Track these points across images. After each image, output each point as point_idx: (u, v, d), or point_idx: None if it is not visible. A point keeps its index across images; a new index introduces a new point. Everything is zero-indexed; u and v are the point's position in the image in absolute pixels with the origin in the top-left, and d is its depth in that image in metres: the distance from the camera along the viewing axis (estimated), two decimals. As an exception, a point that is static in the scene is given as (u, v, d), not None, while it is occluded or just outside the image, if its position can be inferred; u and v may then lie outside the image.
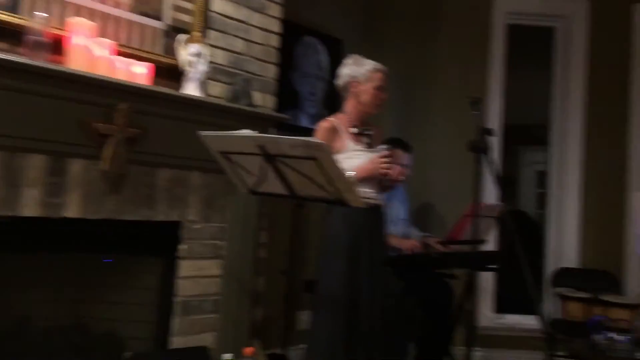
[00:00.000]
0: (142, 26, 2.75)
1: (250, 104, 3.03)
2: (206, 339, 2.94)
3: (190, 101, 2.75)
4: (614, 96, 4.29)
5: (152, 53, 2.76)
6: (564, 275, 3.99)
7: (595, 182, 4.27)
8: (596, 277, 3.94)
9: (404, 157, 3.65)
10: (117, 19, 2.66)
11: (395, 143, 3.67)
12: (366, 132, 2.87)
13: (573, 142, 4.31)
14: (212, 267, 2.97)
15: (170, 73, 2.82)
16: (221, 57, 3.06)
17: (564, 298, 3.68)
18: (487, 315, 4.24)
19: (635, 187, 4.09)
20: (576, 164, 4.30)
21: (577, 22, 4.35)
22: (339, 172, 2.20)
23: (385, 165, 2.69)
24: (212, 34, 3.01)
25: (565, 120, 4.37)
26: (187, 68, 2.81)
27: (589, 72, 4.32)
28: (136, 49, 2.69)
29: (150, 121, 2.60)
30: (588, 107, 4.31)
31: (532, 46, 4.78)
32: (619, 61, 4.29)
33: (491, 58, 4.33)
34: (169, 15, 2.85)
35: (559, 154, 4.39)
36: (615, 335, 2.77)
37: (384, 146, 2.78)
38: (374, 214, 2.78)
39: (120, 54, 2.59)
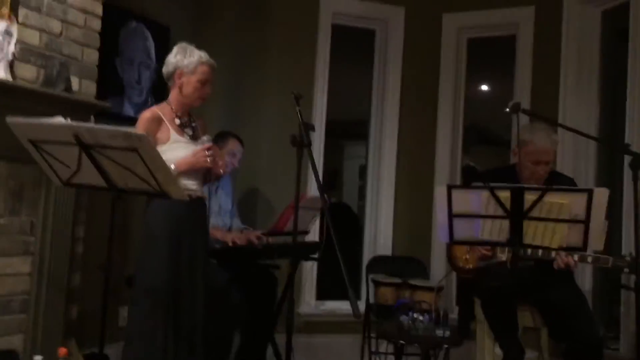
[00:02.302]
0: (-63, -3, 2.46)
1: (68, 90, 2.85)
2: (14, 342, 2.74)
3: (-5, 84, 2.52)
4: (424, 96, 4.67)
5: (-51, 28, 2.49)
6: (378, 263, 4.29)
7: (407, 176, 4.63)
8: (406, 264, 4.29)
9: (237, 146, 3.70)
10: None
11: (229, 134, 3.71)
12: (191, 124, 2.84)
13: (389, 137, 4.63)
14: (21, 264, 2.77)
15: (-29, 52, 2.56)
16: (35, 38, 2.85)
17: (377, 283, 3.97)
18: (309, 302, 4.43)
19: (439, 181, 4.50)
20: (392, 159, 4.62)
21: (394, 26, 4.67)
22: (161, 164, 2.17)
23: (208, 157, 2.68)
24: (24, 12, 2.78)
25: (382, 117, 4.68)
26: (-8, 47, 2.58)
27: (403, 73, 4.66)
28: None
29: (-54, 104, 2.35)
30: (402, 105, 4.66)
31: (355, 46, 5.05)
32: (429, 63, 4.68)
33: (317, 55, 4.50)
34: (-30, -13, 2.58)
35: (377, 149, 4.69)
36: (418, 316, 3.06)
37: (206, 137, 2.77)
38: (196, 206, 2.75)
39: None
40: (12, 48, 2.64)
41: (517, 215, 2.27)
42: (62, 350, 2.33)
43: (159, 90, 3.91)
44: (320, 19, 4.52)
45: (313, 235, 4.14)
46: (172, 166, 2.62)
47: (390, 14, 4.67)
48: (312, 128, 2.62)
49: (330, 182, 7.04)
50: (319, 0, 4.51)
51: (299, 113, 2.51)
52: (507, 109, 2.64)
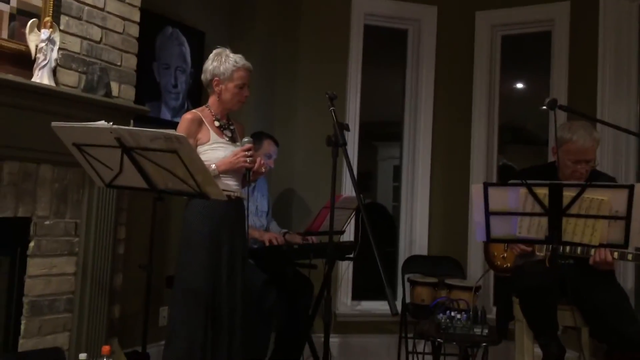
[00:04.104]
0: (-15, 8, 2.55)
1: (108, 95, 2.93)
2: (59, 340, 2.82)
3: (39, 90, 2.60)
4: (458, 95, 4.65)
5: (-5, 37, 2.58)
6: (414, 262, 4.28)
7: (442, 176, 4.62)
8: (442, 263, 4.26)
9: (272, 147, 3.75)
10: (-45, -1, 2.45)
11: (264, 134, 3.77)
12: (230, 127, 2.90)
13: (423, 138, 4.62)
14: (66, 265, 2.84)
15: (18, 59, 2.65)
16: (76, 45, 2.92)
17: (414, 283, 3.96)
18: (345, 302, 4.44)
19: (474, 180, 4.46)
20: (426, 159, 4.61)
21: (426, 26, 4.66)
22: (200, 165, 2.21)
23: (247, 158, 2.72)
24: (66, 19, 2.87)
25: (415, 118, 4.67)
26: (37, 55, 2.66)
27: (437, 72, 4.65)
28: (-23, 32, 2.51)
29: (-6, 111, 2.44)
30: (436, 105, 4.64)
31: (388, 47, 5.05)
32: (463, 62, 4.66)
33: (349, 57, 4.51)
34: (16, -3, 2.67)
35: (411, 149, 4.69)
36: (456, 314, 3.05)
37: (247, 139, 2.81)
38: (235, 207, 2.80)
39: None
40: (54, 55, 2.72)
41: (555, 212, 2.24)
42: (106, 349, 2.38)
43: (195, 94, 4.00)
44: (352, 20, 4.54)
45: (348, 236, 4.15)
46: (213, 166, 2.68)
47: (422, 13, 4.66)
48: (347, 128, 2.63)
49: (365, 182, 7.04)
50: (351, 2, 4.53)
51: (334, 113, 2.53)
52: (544, 106, 2.62)
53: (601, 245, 2.34)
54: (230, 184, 2.78)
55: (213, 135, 2.79)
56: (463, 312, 3.08)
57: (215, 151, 2.76)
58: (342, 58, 4.52)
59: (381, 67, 5.39)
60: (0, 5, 2.61)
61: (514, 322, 3.20)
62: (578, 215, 2.25)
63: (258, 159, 2.80)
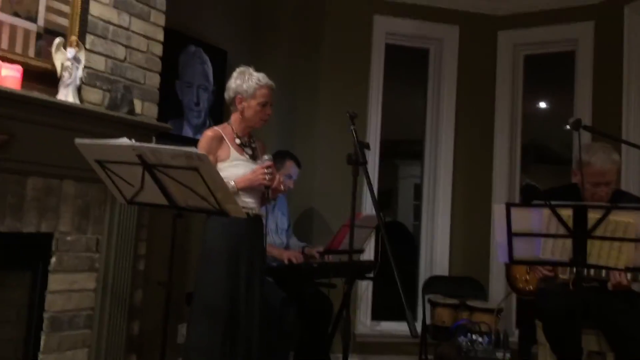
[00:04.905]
0: (13, 27, 2.61)
1: (131, 112, 2.96)
2: (78, 356, 2.83)
3: (64, 107, 2.64)
4: (480, 114, 4.63)
5: (23, 55, 2.62)
6: (435, 283, 4.23)
7: (464, 195, 4.58)
8: (464, 284, 4.21)
9: (294, 169, 3.74)
10: (-15, 18, 2.50)
11: (287, 155, 3.76)
12: (251, 145, 2.91)
13: (444, 156, 4.59)
14: (86, 281, 2.86)
15: (44, 77, 2.70)
16: (101, 63, 2.97)
17: (434, 304, 3.91)
18: (364, 322, 4.39)
19: (497, 200, 4.42)
20: (447, 178, 4.58)
21: (448, 45, 4.65)
22: (220, 183, 2.22)
23: (267, 176, 2.73)
24: (91, 38, 2.92)
25: (437, 136, 4.65)
26: (62, 73, 2.70)
27: (458, 91, 4.63)
28: (5, 51, 2.55)
29: (19, 127, 2.47)
30: (457, 123, 4.61)
31: (409, 66, 5.06)
32: (485, 81, 4.64)
33: (371, 75, 4.51)
34: (43, 17, 2.72)
35: (432, 168, 4.66)
36: (477, 337, 2.99)
37: (267, 156, 2.81)
38: (254, 225, 2.80)
39: (-13, 55, 2.44)
40: (79, 73, 2.77)
41: (580, 234, 2.20)
42: (124, 365, 2.38)
43: (217, 112, 4.03)
44: (374, 39, 4.55)
45: (368, 255, 4.12)
46: (232, 182, 2.68)
47: (444, 32, 4.66)
48: (367, 146, 2.62)
49: (386, 201, 7.02)
50: (373, 21, 4.55)
51: (354, 132, 2.52)
52: (568, 126, 2.58)
53: (627, 269, 2.29)
54: (248, 201, 2.78)
55: (233, 153, 2.80)
56: (485, 335, 3.02)
57: (235, 168, 2.76)
58: (364, 76, 4.52)
59: (402, 85, 5.39)
60: (27, 25, 2.66)
61: (537, 346, 3.14)
62: (603, 238, 2.20)
63: (277, 177, 2.80)
